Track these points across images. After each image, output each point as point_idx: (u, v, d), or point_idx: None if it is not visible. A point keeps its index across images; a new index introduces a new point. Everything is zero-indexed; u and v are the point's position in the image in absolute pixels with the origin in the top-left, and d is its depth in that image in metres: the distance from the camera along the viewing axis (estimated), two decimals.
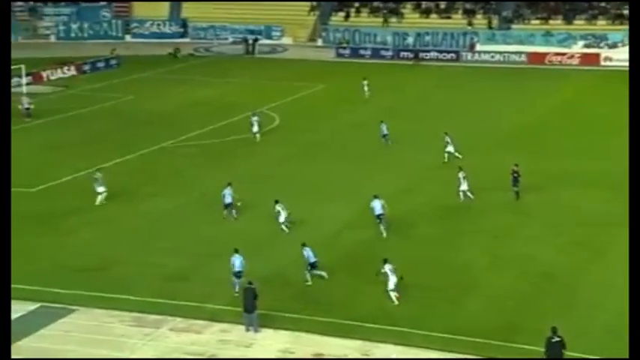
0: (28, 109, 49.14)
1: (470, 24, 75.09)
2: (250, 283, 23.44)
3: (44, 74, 61.94)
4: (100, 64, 67.58)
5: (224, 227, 30.87)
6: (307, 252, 26.36)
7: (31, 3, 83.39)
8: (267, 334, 22.97)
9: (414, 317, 23.74)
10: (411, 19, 78.22)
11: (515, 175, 33.62)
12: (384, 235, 29.95)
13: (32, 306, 24.43)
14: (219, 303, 24.71)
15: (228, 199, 31.18)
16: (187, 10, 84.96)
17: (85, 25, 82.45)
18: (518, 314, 23.94)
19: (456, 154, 38.86)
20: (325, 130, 46.73)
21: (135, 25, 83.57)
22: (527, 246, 29.02)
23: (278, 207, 30.55)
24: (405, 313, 23.96)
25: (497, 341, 22.26)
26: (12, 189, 34.23)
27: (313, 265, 26.17)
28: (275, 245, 29.13)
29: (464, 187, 33.50)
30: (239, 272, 25.12)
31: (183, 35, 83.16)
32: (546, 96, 54.80)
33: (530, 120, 47.94)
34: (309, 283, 26.04)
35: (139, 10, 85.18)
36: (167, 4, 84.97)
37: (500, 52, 71.00)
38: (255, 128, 43.20)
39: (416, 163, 39.40)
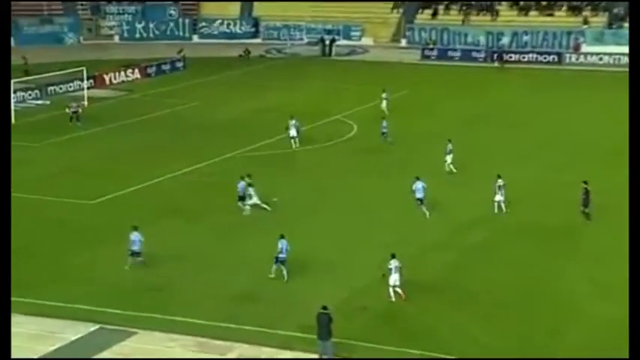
0: (75, 112, 50.57)
1: (586, 22, 73.45)
2: (324, 307, 23.36)
3: (106, 77, 63.71)
4: (166, 67, 69.20)
5: (296, 244, 31.08)
6: (282, 245, 27.93)
7: (94, 2, 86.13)
8: None
9: (509, 350, 23.45)
10: (507, 16, 77.45)
11: (585, 194, 33.11)
12: (428, 216, 33.38)
13: (90, 327, 24.94)
14: (290, 328, 24.82)
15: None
16: (259, 9, 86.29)
17: (151, 25, 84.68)
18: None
19: (452, 166, 38.88)
20: (408, 140, 46.64)
21: (203, 24, 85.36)
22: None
23: (250, 190, 33.73)
24: (499, 347, 23.69)
25: None
26: (70, 200, 35.95)
27: (280, 260, 27.82)
28: (349, 266, 29.18)
29: (498, 197, 33.81)
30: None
31: (254, 35, 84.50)
32: None
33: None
34: (272, 275, 27.86)
35: (208, 8, 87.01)
36: (238, 2, 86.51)
37: (609, 54, 69.55)
38: (293, 132, 43.94)
39: (507, 179, 38.94)
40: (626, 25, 72.86)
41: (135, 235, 29.10)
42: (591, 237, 31.84)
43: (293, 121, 44.58)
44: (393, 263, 26.43)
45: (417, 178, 34.05)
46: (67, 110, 50.75)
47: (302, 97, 58.81)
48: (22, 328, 23.95)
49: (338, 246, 30.72)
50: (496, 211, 34.12)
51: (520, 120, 51.36)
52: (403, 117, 52.91)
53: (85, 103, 54.64)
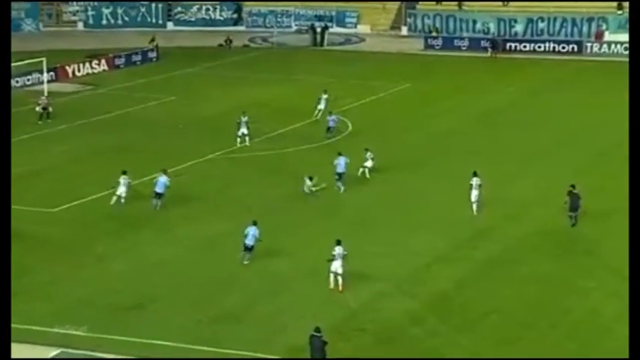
0: (45, 109, 50.55)
1: (620, 7, 73.33)
2: (317, 329, 23.54)
3: (69, 69, 63.58)
4: (137, 58, 69.08)
5: (281, 259, 31.13)
6: (252, 231, 30.21)
7: None
8: None
9: None
10: (521, 2, 77.46)
11: (574, 197, 33.81)
12: (342, 190, 37.54)
13: (52, 352, 24.88)
14: (275, 352, 24.89)
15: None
16: None
17: (119, 11, 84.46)
18: None
19: (367, 173, 39.50)
20: (409, 141, 46.74)
21: (179, 9, 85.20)
22: None
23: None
24: None
25: None
26: (29, 208, 35.85)
27: (247, 248, 30.22)
28: (346, 284, 29.18)
29: (474, 197, 34.82)
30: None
31: (236, 22, 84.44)
32: None
33: None
34: (246, 262, 30.12)
35: None
36: None
37: None
38: (244, 130, 44.88)
39: (520, 185, 39.12)
40: None
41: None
42: (614, 248, 31.90)
43: (244, 118, 45.21)
44: (338, 250, 28.33)
45: (339, 154, 38.18)
46: (36, 107, 50.58)
47: (291, 91, 58.83)
48: None
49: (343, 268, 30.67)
50: (474, 213, 34.97)
51: (536, 117, 51.51)
52: (405, 113, 53.11)
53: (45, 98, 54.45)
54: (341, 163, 38.15)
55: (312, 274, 29.55)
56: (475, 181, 35.40)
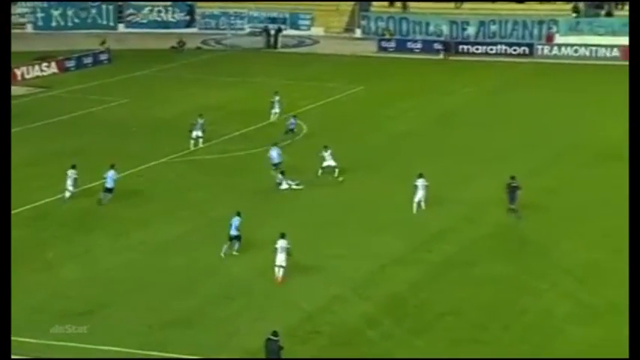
0: None
1: (576, 9, 73.91)
2: (274, 334, 23.36)
3: (18, 72, 62.75)
4: (88, 60, 68.48)
5: (235, 261, 30.93)
6: (235, 222, 30.84)
7: None
8: None
9: None
10: (473, 4, 77.97)
11: (513, 189, 34.28)
12: (282, 186, 38.02)
13: None
14: (229, 356, 24.73)
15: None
16: None
17: (69, 12, 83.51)
18: None
19: (336, 171, 39.77)
20: (366, 143, 46.74)
21: (130, 11, 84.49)
22: (617, 290, 28.50)
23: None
24: None
25: None
26: None
27: (233, 238, 30.89)
28: (299, 285, 29.07)
29: (418, 197, 35.23)
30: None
31: (189, 24, 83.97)
32: None
33: (622, 134, 47.46)
34: (223, 254, 30.76)
35: None
36: None
37: (586, 45, 70.57)
38: (199, 132, 44.89)
39: (477, 186, 39.26)
40: (603, 12, 74.08)
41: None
42: (567, 250, 32.12)
43: (201, 120, 45.09)
44: (280, 243, 28.86)
45: (275, 144, 40.39)
46: None
47: (244, 94, 58.58)
48: None
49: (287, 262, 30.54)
50: (415, 212, 35.33)
51: (490, 118, 51.81)
52: (361, 115, 53.11)
53: None
54: (273, 154, 39.54)
55: (268, 277, 29.36)
56: (420, 182, 35.49)
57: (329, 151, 39.91)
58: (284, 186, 38.28)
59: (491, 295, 28.58)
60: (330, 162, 39.72)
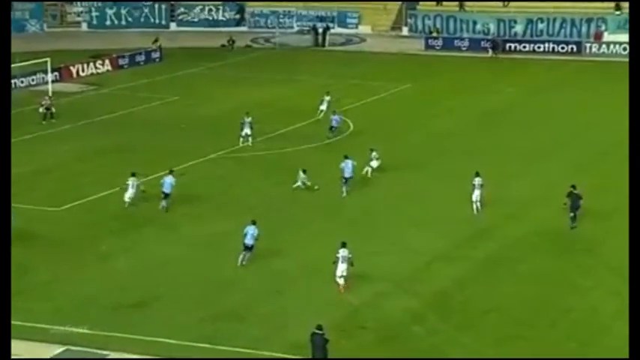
0: (48, 109, 50.53)
1: (618, 8, 73.23)
2: (319, 327, 23.51)
3: (73, 70, 63.51)
4: (140, 58, 69.06)
5: (282, 258, 31.13)
6: (251, 231, 30.03)
7: None
8: None
9: None
10: (521, 2, 77.35)
11: (574, 197, 33.82)
12: (344, 195, 36.72)
13: (56, 349, 24.89)
14: (277, 349, 24.91)
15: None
16: None
17: (123, 11, 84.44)
18: None
19: (369, 173, 39.41)
20: (410, 141, 46.73)
21: (182, 10, 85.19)
22: None
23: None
24: None
25: None
26: (34, 207, 35.86)
27: (247, 247, 30.07)
28: (347, 284, 29.19)
29: (475, 196, 35.02)
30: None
31: (239, 23, 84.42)
32: None
33: None
34: (243, 263, 30.05)
35: None
36: None
37: None
38: (247, 130, 44.95)
39: (521, 184, 39.10)
40: None
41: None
42: (613, 247, 31.87)
43: (248, 119, 45.25)
44: (342, 253, 28.06)
45: (346, 157, 37.48)
46: (39, 108, 50.54)
47: (293, 92, 58.77)
48: None
49: (332, 259, 30.67)
50: (475, 212, 34.98)
51: (536, 117, 51.48)
52: (406, 114, 53.09)
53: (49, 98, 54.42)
54: (348, 167, 37.18)
55: (314, 273, 29.55)
56: (477, 180, 35.37)
57: (373, 153, 39.82)
58: (298, 183, 37.81)
59: (536, 292, 28.53)
60: (373, 163, 39.58)
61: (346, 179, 37.19)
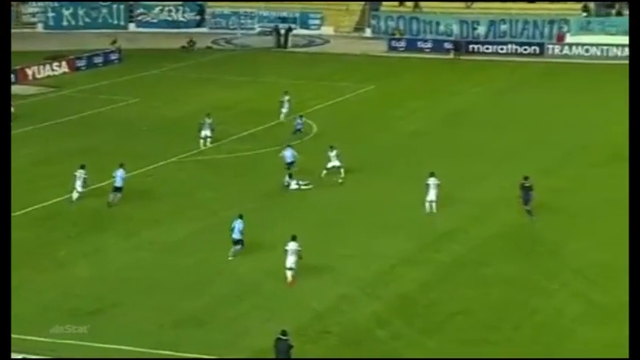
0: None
1: (586, 9, 73.83)
2: (284, 333, 23.45)
3: (29, 72, 63.02)
4: (98, 60, 68.60)
5: (245, 262, 30.99)
6: (238, 225, 30.76)
7: None
8: None
9: None
10: (484, 4, 77.84)
11: (526, 190, 34.23)
12: (291, 186, 37.98)
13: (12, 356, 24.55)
14: (239, 355, 24.79)
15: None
16: None
17: (80, 12, 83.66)
18: None
19: (342, 173, 39.65)
20: (375, 142, 46.77)
21: (140, 10, 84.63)
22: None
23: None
24: None
25: None
26: None
27: (235, 241, 30.75)
28: (309, 287, 29.12)
29: (431, 197, 35.19)
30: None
31: (199, 24, 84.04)
32: None
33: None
34: (230, 258, 30.60)
35: None
36: None
37: (597, 45, 70.38)
38: (207, 132, 44.84)
39: (486, 186, 39.26)
40: (614, 12, 73.87)
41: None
42: (577, 250, 32.08)
43: (209, 120, 45.11)
44: (291, 246, 28.88)
45: (289, 146, 40.25)
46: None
47: (256, 93, 58.64)
48: None
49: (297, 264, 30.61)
50: (427, 211, 35.17)
51: (500, 119, 51.73)
52: (370, 115, 53.12)
53: None
54: (287, 155, 39.49)
55: (277, 277, 29.40)
56: (432, 181, 35.41)
57: (334, 152, 39.86)
58: (293, 186, 38.30)
59: (501, 295, 28.60)
60: (335, 162, 39.64)
61: (289, 164, 39.30)
